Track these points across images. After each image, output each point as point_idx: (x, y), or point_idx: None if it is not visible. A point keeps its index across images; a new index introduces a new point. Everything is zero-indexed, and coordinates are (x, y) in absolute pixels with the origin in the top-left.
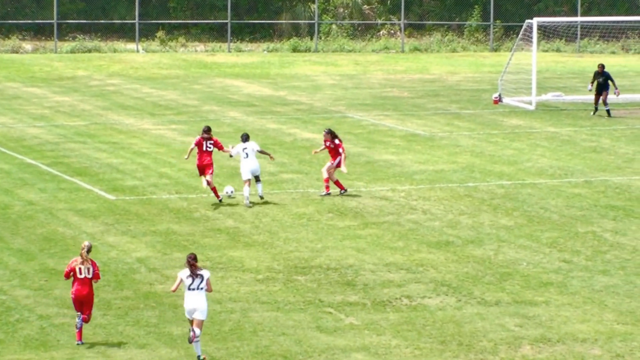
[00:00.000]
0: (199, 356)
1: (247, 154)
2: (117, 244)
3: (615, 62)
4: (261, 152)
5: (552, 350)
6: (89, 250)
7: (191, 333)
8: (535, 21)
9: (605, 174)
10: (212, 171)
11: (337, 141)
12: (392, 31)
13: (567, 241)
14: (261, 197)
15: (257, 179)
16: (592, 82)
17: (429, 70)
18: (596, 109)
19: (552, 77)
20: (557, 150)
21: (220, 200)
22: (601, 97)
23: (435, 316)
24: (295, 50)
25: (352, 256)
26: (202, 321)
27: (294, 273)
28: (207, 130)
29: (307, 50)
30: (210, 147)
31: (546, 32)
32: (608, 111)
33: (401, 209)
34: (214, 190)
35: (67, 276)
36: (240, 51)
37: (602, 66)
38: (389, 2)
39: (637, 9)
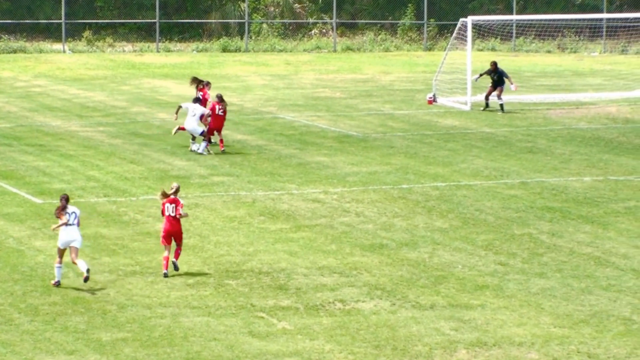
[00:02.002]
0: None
1: (194, 112)
2: (45, 249)
3: (551, 61)
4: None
5: (488, 355)
6: (176, 191)
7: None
8: (469, 19)
9: (542, 175)
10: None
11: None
12: (323, 30)
13: (503, 243)
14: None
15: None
16: (482, 75)
17: (362, 70)
18: (487, 105)
19: (488, 76)
20: (493, 151)
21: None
22: (495, 92)
23: (369, 320)
24: (225, 50)
25: (284, 260)
26: (79, 249)
27: (225, 277)
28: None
29: (238, 50)
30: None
31: (481, 31)
32: (502, 105)
33: (334, 211)
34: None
35: (163, 213)
36: (169, 51)
37: (494, 64)
38: (320, 0)
39: (573, 7)
